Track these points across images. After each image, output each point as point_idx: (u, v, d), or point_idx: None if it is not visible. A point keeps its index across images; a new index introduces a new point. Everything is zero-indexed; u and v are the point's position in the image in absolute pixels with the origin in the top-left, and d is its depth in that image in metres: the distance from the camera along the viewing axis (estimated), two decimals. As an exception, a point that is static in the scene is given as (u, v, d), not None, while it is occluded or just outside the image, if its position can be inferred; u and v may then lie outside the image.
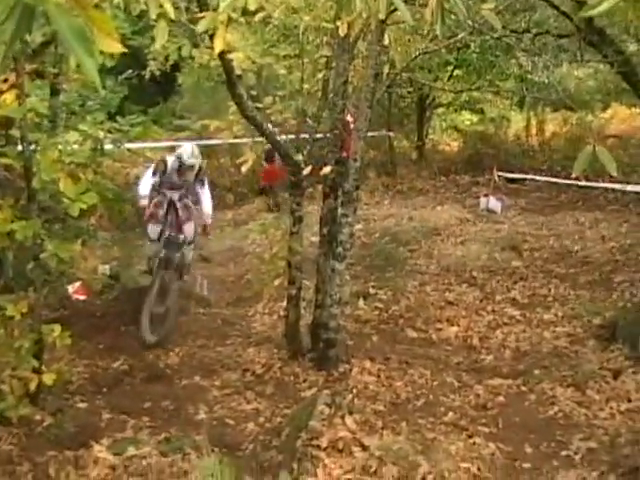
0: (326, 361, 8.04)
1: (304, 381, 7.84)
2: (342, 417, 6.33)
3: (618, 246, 12.26)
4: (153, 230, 9.21)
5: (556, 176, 16.77)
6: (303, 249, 8.42)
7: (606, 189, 15.60)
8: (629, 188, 14.90)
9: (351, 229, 8.04)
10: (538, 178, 17.06)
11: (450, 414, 7.13)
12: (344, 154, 8.17)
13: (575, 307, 10.03)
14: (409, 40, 10.89)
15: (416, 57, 10.25)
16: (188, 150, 9.24)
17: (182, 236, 9.07)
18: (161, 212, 9.21)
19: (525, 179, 17.26)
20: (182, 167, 9.17)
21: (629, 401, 7.28)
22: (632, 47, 14.01)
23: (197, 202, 9.38)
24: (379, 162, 19.62)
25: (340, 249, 7.89)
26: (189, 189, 9.36)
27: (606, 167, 3.77)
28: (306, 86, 8.38)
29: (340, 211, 7.92)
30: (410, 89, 18.83)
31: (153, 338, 8.68)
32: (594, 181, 14.68)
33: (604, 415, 7.13)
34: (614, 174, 3.81)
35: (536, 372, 8.11)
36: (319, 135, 8.34)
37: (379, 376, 7.93)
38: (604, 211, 14.72)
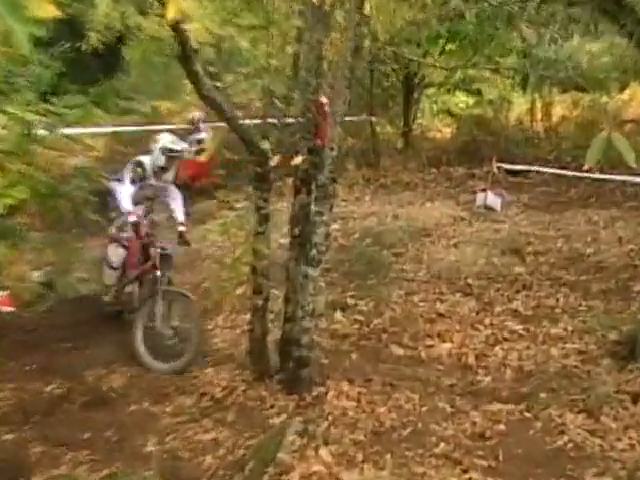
0: (297, 383, 8.03)
1: (272, 406, 7.82)
2: (316, 448, 6.35)
3: (637, 249, 12.32)
4: (116, 254, 9.32)
5: (565, 168, 16.82)
6: (270, 252, 8.42)
7: (623, 183, 15.65)
8: (650, 182, 15.00)
9: (327, 229, 8.04)
10: (544, 170, 17.11)
11: (442, 445, 7.12)
12: (318, 142, 8.15)
13: (587, 320, 10.02)
14: (394, 9, 10.92)
15: (402, 28, 10.29)
16: (169, 137, 9.36)
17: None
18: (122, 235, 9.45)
19: (529, 171, 17.31)
20: (171, 158, 9.29)
21: (651, 429, 7.31)
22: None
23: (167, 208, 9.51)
24: (359, 151, 19.60)
25: (314, 252, 7.88)
26: (160, 195, 9.46)
27: (624, 156, 3.80)
28: (274, 62, 8.37)
29: (314, 208, 7.90)
30: (395, 66, 18.87)
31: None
32: (609, 173, 14.74)
33: (622, 446, 7.10)
34: (633, 165, 3.84)
35: (542, 396, 8.11)
36: (289, 119, 8.34)
37: (359, 400, 7.91)
38: (621, 208, 14.77)
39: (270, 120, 8.30)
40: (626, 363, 8.57)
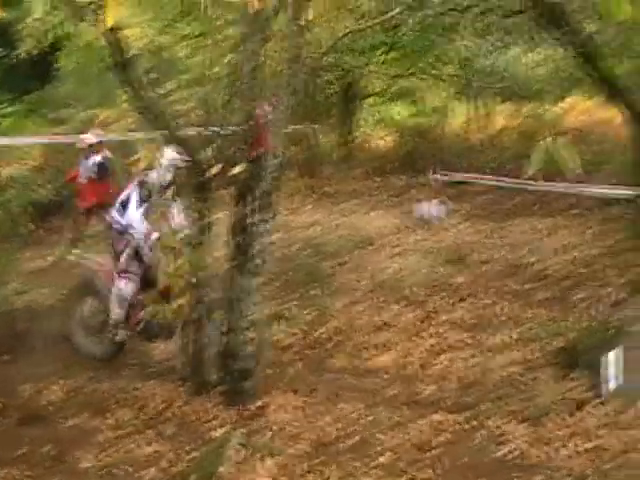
0: (239, 395, 7.98)
1: (213, 419, 7.76)
2: (259, 460, 6.31)
3: (580, 257, 12.45)
4: (129, 289, 9.06)
5: (507, 176, 16.92)
6: (210, 263, 8.37)
7: (566, 191, 15.80)
8: (593, 190, 15.14)
9: (268, 239, 8.02)
10: (486, 179, 17.22)
11: (386, 455, 7.11)
12: (259, 150, 8.13)
13: (531, 329, 10.09)
14: (334, 17, 10.95)
15: (343, 37, 10.30)
16: (174, 152, 9.06)
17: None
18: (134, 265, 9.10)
19: (470, 180, 17.41)
20: (176, 172, 9.04)
21: (594, 438, 7.31)
22: (591, 27, 14.24)
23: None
24: (300, 161, 19.59)
25: (255, 262, 7.86)
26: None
27: (567, 164, 3.83)
28: (213, 71, 8.34)
29: (255, 218, 7.88)
30: (336, 75, 18.90)
31: None
32: (552, 182, 14.88)
33: (566, 454, 7.13)
34: (576, 172, 3.87)
35: (485, 405, 8.12)
36: (229, 128, 8.30)
37: (303, 411, 7.90)
38: (564, 217, 14.91)
39: (210, 129, 8.25)
40: (569, 371, 8.63)
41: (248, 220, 7.92)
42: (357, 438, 7.46)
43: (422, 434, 7.59)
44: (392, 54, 18.91)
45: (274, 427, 7.49)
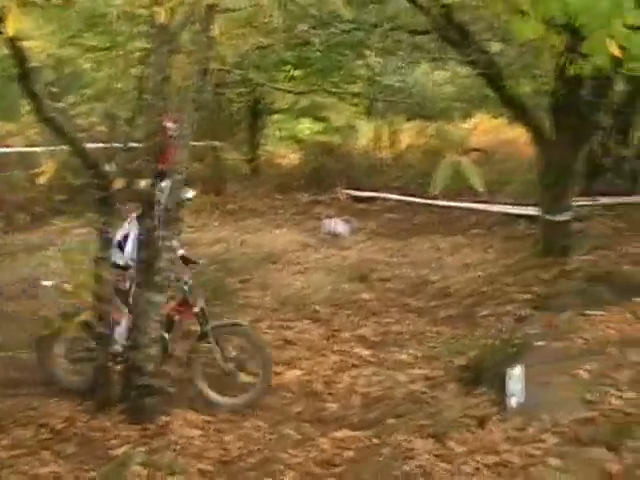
0: (141, 412, 7.88)
1: (115, 437, 7.63)
2: (161, 479, 6.27)
3: (483, 275, 12.65)
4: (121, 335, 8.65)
5: (411, 195, 17.12)
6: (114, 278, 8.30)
7: (469, 210, 16.03)
8: (495, 209, 15.40)
9: (172, 254, 7.99)
10: (391, 197, 17.39)
11: (290, 473, 7.08)
12: (164, 165, 8.10)
13: (434, 346, 10.24)
14: (242, 33, 10.97)
15: (249, 52, 10.33)
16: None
17: None
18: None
19: (376, 198, 17.57)
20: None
21: (497, 453, 7.43)
22: (496, 47, 14.54)
23: None
24: (205, 177, 19.53)
25: (159, 278, 7.81)
26: None
27: (470, 181, 3.90)
28: (118, 84, 8.29)
29: (159, 233, 7.85)
30: (242, 90, 18.91)
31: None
32: (455, 201, 15.08)
33: (469, 470, 7.19)
34: (480, 189, 3.95)
35: (390, 421, 8.18)
36: (134, 143, 8.25)
37: (206, 429, 7.84)
38: (466, 235, 15.13)
39: (114, 143, 8.19)
40: (472, 388, 8.72)
41: (153, 235, 7.88)
42: (260, 456, 7.43)
43: (326, 451, 7.57)
44: (299, 71, 19.00)
45: (177, 445, 7.41)
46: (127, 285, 8.56)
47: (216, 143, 19.71)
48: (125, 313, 8.55)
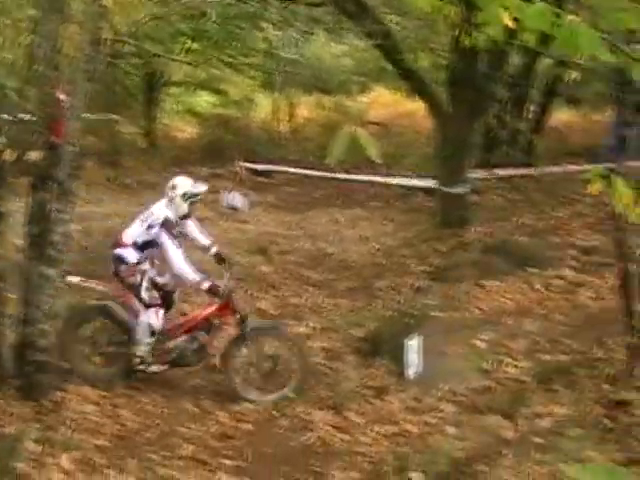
0: (35, 388, 7.75)
1: (10, 414, 7.50)
2: (56, 456, 6.20)
3: (381, 248, 12.73)
4: (158, 317, 8.50)
5: (310, 168, 17.12)
6: (7, 253, 8.13)
7: (368, 183, 16.10)
8: (393, 182, 15.51)
9: (66, 228, 7.85)
10: (289, 170, 17.37)
11: (188, 446, 7.12)
12: (55, 137, 7.94)
13: (333, 318, 10.32)
14: (135, 2, 10.83)
15: (144, 23, 10.21)
16: (187, 181, 8.63)
17: None
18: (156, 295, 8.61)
19: (274, 172, 17.54)
20: (193, 203, 8.66)
21: (395, 423, 7.55)
22: (393, 20, 14.59)
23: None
24: (100, 151, 19.22)
25: (52, 252, 7.67)
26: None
27: (367, 153, 3.93)
28: (6, 54, 8.10)
29: (53, 206, 7.70)
30: (139, 62, 18.68)
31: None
32: (354, 174, 15.13)
33: (367, 440, 7.32)
34: (377, 161, 3.98)
35: (289, 393, 8.24)
36: (24, 115, 8.08)
37: (102, 405, 7.79)
38: (365, 208, 15.19)
39: (3, 115, 8.01)
40: (371, 359, 8.83)
41: (46, 208, 7.74)
42: (157, 431, 7.44)
43: (225, 425, 7.62)
44: (196, 43, 18.85)
45: (71, 421, 7.32)
46: (138, 279, 8.46)
47: (112, 116, 19.45)
48: (140, 308, 8.46)
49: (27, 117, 8.05)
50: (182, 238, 8.62)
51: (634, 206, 6.41)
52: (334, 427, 7.57)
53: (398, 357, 8.47)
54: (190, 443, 7.18)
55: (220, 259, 8.94)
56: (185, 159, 19.53)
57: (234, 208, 15.16)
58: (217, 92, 23.08)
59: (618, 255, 8.15)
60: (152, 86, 20.63)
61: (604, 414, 7.17)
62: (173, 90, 22.46)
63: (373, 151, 4.04)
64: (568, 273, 11.00)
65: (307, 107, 22.76)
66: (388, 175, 15.66)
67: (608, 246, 8.80)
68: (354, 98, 22.73)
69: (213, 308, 8.62)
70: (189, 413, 7.82)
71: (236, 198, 15.33)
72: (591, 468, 1.27)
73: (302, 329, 9.97)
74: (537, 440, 7.00)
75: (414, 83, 13.50)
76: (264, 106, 22.90)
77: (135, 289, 8.44)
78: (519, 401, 7.58)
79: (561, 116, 21.27)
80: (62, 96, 8.34)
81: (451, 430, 7.27)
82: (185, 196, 8.51)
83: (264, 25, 16.48)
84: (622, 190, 6.37)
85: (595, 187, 6.40)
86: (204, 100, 24.00)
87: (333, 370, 8.83)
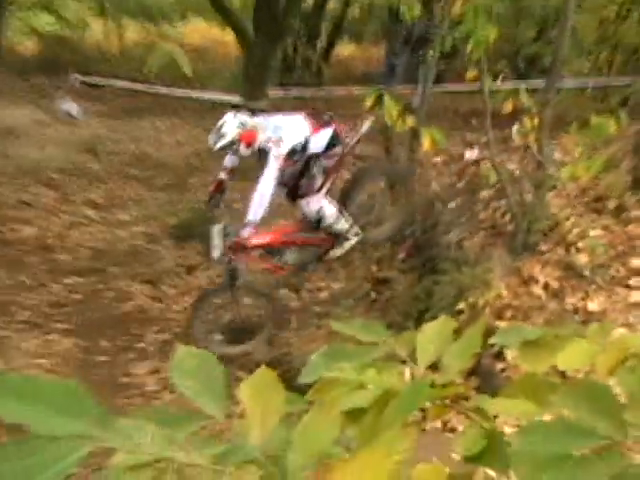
0: None
1: None
2: None
3: (193, 151, 12.57)
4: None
5: (135, 82, 16.74)
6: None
7: (185, 97, 15.88)
8: (206, 96, 15.39)
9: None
10: (117, 84, 16.92)
11: (24, 313, 6.96)
12: None
13: (152, 208, 10.19)
14: None
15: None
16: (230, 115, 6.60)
17: None
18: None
19: (105, 85, 17.04)
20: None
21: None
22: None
23: None
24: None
25: None
26: None
27: (182, 68, 3.78)
28: None
29: None
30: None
31: None
32: (172, 88, 14.87)
33: (178, 308, 7.44)
34: (189, 74, 3.82)
35: (113, 270, 8.17)
36: None
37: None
38: (181, 117, 14.96)
39: None
40: (184, 243, 8.84)
41: None
42: (-2, 301, 7.19)
43: (57, 295, 7.51)
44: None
45: None
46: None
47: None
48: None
49: None
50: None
51: (399, 119, 6.51)
52: (151, 298, 7.61)
53: (206, 241, 8.46)
54: (26, 310, 7.04)
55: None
56: (27, 71, 18.63)
57: (69, 115, 14.64)
58: (53, 13, 22.08)
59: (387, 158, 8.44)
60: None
61: (371, 288, 7.39)
62: (18, 13, 21.24)
63: (186, 67, 3.90)
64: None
65: (134, 31, 22.10)
66: (202, 91, 15.43)
67: (379, 153, 8.94)
68: (175, 26, 22.32)
69: None
70: (26, 285, 7.60)
71: (71, 106, 14.81)
72: (352, 323, 1.23)
73: (126, 217, 9.82)
74: (317, 309, 7.17)
75: (225, 16, 13.21)
76: (97, 30, 22.14)
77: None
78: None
79: (346, 49, 21.59)
80: None
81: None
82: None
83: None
84: (391, 107, 6.45)
85: (370, 104, 6.45)
86: (45, 22, 22.91)
87: (152, 251, 8.80)
